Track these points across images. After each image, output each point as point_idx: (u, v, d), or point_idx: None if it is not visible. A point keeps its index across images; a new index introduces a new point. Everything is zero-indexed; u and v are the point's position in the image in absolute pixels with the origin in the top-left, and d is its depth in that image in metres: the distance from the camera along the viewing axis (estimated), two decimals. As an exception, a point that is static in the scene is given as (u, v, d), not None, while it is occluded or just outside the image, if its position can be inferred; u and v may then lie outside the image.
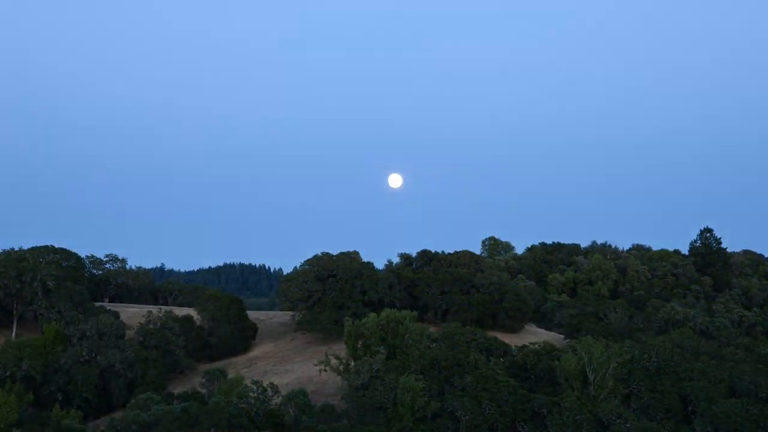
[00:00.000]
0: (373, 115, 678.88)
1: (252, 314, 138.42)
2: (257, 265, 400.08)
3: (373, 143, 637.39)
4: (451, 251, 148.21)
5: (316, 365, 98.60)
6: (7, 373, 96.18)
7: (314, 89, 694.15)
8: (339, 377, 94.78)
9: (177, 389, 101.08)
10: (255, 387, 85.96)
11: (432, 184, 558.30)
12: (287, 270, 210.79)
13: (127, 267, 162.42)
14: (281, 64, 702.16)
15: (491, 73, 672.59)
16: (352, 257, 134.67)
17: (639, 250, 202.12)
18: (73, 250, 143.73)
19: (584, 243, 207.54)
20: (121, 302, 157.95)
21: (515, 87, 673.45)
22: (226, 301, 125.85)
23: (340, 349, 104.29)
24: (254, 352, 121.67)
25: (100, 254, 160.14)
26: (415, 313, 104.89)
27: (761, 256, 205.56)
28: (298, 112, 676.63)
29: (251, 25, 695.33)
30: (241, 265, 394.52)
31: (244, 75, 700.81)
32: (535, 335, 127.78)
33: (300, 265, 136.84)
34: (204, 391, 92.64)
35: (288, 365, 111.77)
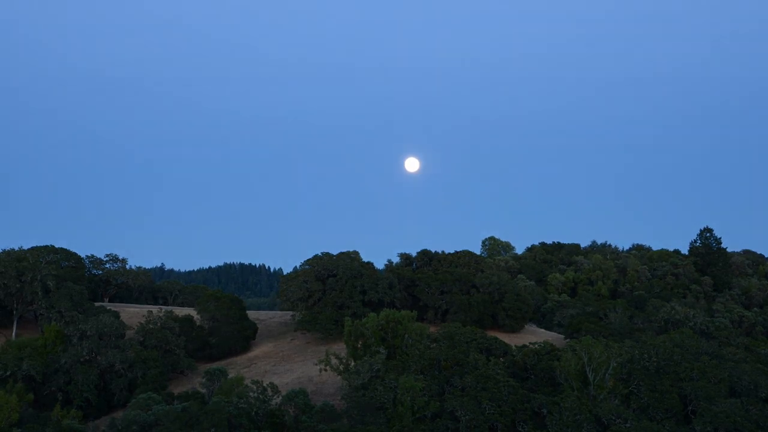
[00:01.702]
0: (390, 99, 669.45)
1: (252, 314, 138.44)
2: (257, 265, 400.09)
3: (390, 126, 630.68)
4: (451, 251, 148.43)
5: (316, 365, 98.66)
6: (8, 373, 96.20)
7: (321, 77, 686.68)
8: (339, 377, 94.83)
9: (177, 389, 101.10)
10: (255, 387, 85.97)
11: (449, 168, 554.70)
12: (287, 270, 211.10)
13: (127, 267, 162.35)
14: (285, 56, 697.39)
15: (496, 73, 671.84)
16: (352, 257, 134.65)
17: (639, 250, 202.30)
18: (73, 250, 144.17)
19: (584, 243, 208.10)
20: (121, 302, 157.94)
21: (517, 87, 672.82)
22: (226, 301, 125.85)
23: (340, 349, 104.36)
24: (254, 352, 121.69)
25: (100, 254, 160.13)
26: (415, 313, 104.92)
27: (761, 256, 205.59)
28: (304, 103, 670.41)
29: (256, 16, 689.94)
30: (241, 265, 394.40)
31: (246, 70, 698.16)
32: (535, 335, 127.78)
33: (300, 265, 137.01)
34: (204, 391, 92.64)
35: (288, 365, 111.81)
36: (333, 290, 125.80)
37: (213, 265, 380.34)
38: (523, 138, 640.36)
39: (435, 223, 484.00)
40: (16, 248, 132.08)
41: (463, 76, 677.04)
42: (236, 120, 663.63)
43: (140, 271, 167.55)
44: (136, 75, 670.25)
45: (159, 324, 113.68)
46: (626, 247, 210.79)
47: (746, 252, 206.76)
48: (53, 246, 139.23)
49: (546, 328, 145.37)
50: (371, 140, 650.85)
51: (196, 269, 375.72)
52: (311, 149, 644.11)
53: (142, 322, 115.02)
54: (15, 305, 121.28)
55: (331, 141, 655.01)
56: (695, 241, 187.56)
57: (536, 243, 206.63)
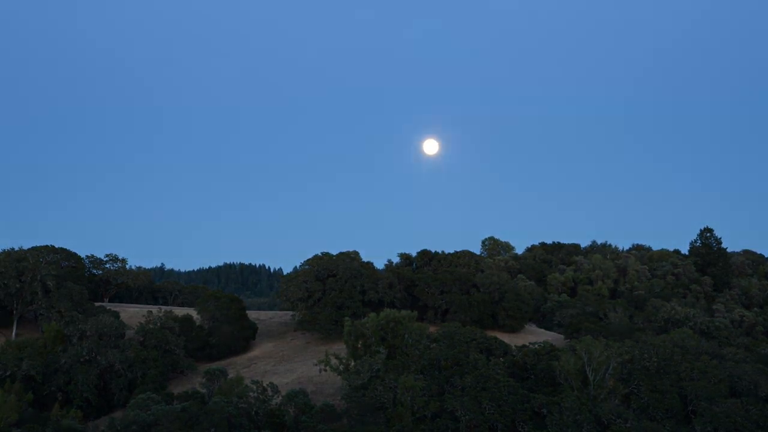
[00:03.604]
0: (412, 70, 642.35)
1: (252, 314, 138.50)
2: (257, 265, 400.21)
3: (411, 102, 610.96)
4: (451, 251, 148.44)
5: (316, 365, 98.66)
6: (7, 373, 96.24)
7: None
8: (339, 377, 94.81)
9: (177, 389, 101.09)
10: (255, 387, 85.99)
11: (470, 151, 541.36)
12: (287, 270, 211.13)
13: (127, 267, 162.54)
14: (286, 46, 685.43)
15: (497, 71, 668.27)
16: (352, 257, 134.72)
17: (639, 250, 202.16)
18: (73, 250, 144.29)
19: (584, 243, 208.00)
20: (121, 302, 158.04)
21: (517, 87, 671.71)
22: (226, 301, 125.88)
23: (340, 349, 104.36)
24: (254, 352, 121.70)
25: (100, 254, 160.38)
26: (415, 313, 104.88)
27: (761, 256, 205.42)
28: (306, 87, 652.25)
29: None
30: (241, 265, 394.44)
31: (246, 65, 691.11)
32: (535, 335, 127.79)
33: (300, 265, 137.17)
34: (204, 391, 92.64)
35: (288, 365, 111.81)
36: (333, 290, 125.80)
37: (213, 265, 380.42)
38: (523, 137, 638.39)
39: (435, 222, 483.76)
40: (16, 248, 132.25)
41: (491, 44, 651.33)
42: (235, 118, 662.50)
43: (140, 271, 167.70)
44: (135, 73, 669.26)
45: (159, 324, 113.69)
46: (626, 247, 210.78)
47: (746, 252, 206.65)
48: (53, 246, 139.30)
49: (546, 328, 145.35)
50: (387, 119, 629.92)
51: (196, 269, 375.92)
52: (315, 139, 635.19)
53: (142, 322, 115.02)
54: (15, 305, 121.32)
55: (340, 125, 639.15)
56: (695, 241, 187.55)
57: (536, 243, 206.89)
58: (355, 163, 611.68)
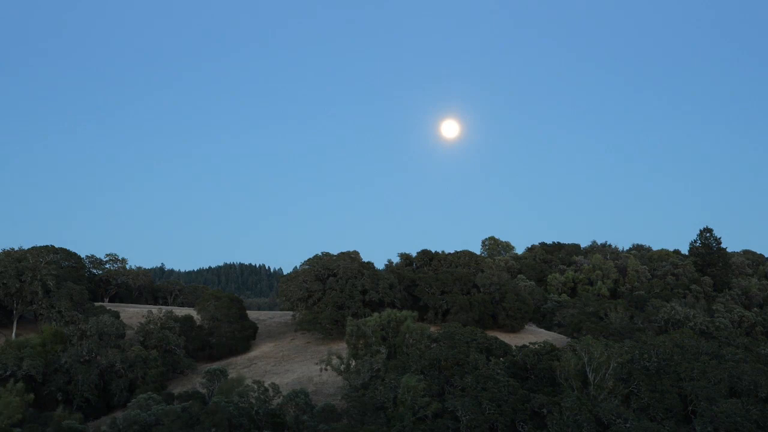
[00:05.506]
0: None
1: (252, 314, 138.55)
2: (257, 265, 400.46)
3: (430, 77, 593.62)
4: (451, 251, 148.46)
5: (316, 365, 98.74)
6: (8, 373, 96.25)
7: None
8: (339, 377, 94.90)
9: (177, 389, 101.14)
10: (255, 387, 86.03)
11: (494, 135, 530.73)
12: (287, 270, 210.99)
13: (127, 267, 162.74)
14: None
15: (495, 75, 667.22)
16: (352, 257, 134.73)
17: (639, 250, 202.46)
18: (73, 250, 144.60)
19: (584, 243, 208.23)
20: (121, 302, 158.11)
21: (517, 86, 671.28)
22: (226, 301, 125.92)
23: (340, 348, 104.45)
24: (254, 352, 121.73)
25: (100, 254, 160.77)
26: (415, 313, 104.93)
27: (761, 256, 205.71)
28: (310, 72, 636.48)
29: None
30: (241, 265, 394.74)
31: (245, 59, 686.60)
32: (535, 335, 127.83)
33: (300, 265, 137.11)
34: (204, 391, 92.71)
35: (288, 365, 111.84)
36: (333, 290, 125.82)
37: (213, 265, 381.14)
38: (523, 137, 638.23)
39: (435, 222, 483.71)
40: (16, 248, 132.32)
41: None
42: (235, 116, 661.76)
43: (140, 271, 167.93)
44: (134, 72, 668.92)
45: (159, 324, 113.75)
46: (626, 247, 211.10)
47: (746, 252, 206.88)
48: (53, 246, 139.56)
49: (546, 328, 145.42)
50: (403, 97, 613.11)
51: (196, 269, 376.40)
52: (315, 137, 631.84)
53: (142, 322, 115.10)
54: (15, 305, 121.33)
55: (348, 108, 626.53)
56: (695, 241, 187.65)
57: (536, 243, 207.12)
58: (358, 159, 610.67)
